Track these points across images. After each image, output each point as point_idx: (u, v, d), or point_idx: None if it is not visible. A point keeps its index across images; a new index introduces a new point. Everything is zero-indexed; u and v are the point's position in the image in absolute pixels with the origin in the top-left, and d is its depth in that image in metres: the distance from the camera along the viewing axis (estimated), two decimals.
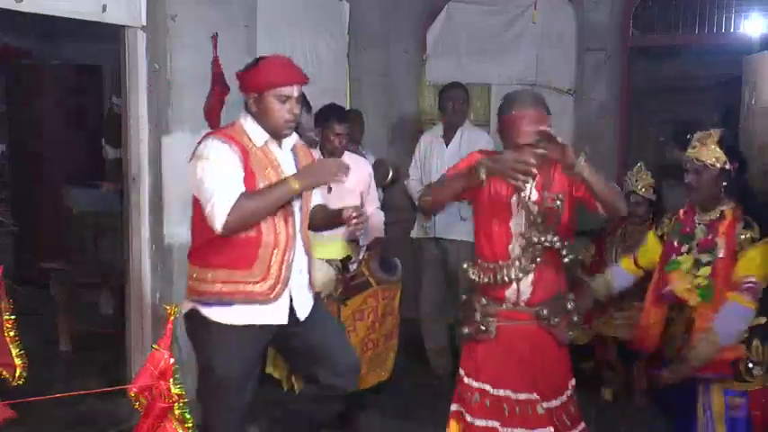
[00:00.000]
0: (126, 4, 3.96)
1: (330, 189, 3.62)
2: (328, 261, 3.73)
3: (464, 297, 2.86)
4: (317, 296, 2.91)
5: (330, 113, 4.02)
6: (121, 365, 4.33)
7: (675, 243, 3.04)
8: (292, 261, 2.69)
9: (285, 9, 4.98)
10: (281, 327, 2.71)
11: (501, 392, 2.68)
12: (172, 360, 1.88)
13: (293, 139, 2.79)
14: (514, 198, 2.65)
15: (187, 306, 2.71)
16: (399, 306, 4.02)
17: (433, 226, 4.79)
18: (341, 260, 3.77)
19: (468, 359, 2.77)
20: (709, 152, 2.95)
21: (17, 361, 1.89)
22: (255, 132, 2.68)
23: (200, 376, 2.76)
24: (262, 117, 2.67)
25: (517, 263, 2.63)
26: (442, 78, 5.92)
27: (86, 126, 6.88)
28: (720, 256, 2.88)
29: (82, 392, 2.25)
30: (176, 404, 1.89)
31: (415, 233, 4.96)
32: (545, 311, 2.68)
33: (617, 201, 2.57)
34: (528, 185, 2.58)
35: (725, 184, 2.93)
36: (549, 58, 5.80)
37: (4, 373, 1.90)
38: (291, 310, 2.72)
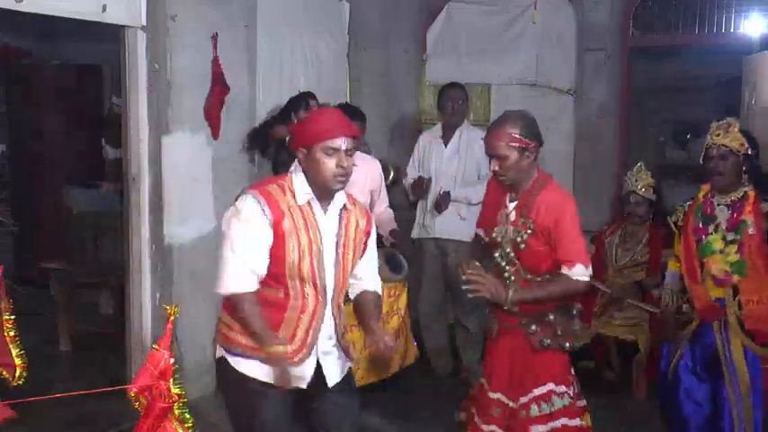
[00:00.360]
0: (126, 4, 3.96)
1: None
2: None
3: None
4: (349, 375, 2.77)
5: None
6: (121, 365, 4.33)
7: (700, 224, 3.21)
8: (320, 327, 2.58)
9: (285, 9, 4.98)
10: (306, 391, 2.60)
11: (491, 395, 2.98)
12: (172, 360, 1.89)
13: (341, 201, 2.61)
14: (500, 213, 2.95)
15: (218, 352, 2.65)
16: (407, 306, 3.99)
17: (433, 226, 4.79)
18: None
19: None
20: (733, 138, 3.09)
21: (17, 361, 1.89)
22: (301, 189, 2.54)
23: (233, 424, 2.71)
24: (310, 172, 2.52)
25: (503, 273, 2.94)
26: (442, 78, 5.92)
27: (86, 126, 6.89)
28: (751, 232, 3.06)
29: (82, 392, 2.25)
30: (176, 404, 1.89)
31: (415, 233, 4.96)
32: (524, 320, 2.89)
33: (568, 294, 2.83)
34: (512, 204, 2.90)
35: (745, 168, 3.10)
36: (549, 58, 5.80)
37: (5, 373, 1.90)
38: (319, 374, 2.62)
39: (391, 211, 4.25)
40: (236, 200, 2.55)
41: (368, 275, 2.74)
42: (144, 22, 4.05)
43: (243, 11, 4.53)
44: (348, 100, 5.75)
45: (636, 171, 4.69)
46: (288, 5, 5.01)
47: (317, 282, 2.53)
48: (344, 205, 2.60)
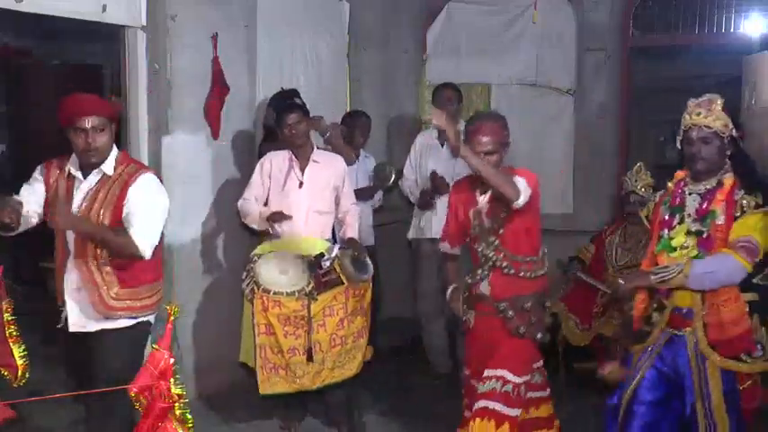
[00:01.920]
0: (126, 4, 3.96)
1: (302, 184, 3.87)
2: (301, 257, 3.75)
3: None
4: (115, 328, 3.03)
5: (282, 103, 4.11)
6: None
7: (667, 216, 2.84)
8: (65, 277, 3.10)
9: (285, 9, 4.98)
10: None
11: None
12: (172, 360, 1.89)
13: (109, 167, 3.03)
14: (474, 210, 3.14)
15: None
16: (370, 306, 3.94)
17: (430, 226, 4.79)
18: (314, 257, 3.78)
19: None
20: (717, 117, 2.73)
21: (19, 362, 1.89)
22: (73, 162, 3.08)
23: None
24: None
25: (482, 262, 3.15)
26: (442, 78, 5.91)
27: None
28: (719, 222, 2.67)
29: (82, 392, 2.25)
30: (176, 404, 1.89)
31: (411, 234, 4.96)
32: (502, 306, 3.10)
33: (503, 187, 2.89)
34: (483, 197, 3.10)
35: (729, 152, 2.75)
36: (549, 58, 5.81)
37: (7, 373, 1.90)
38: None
39: (358, 208, 4.20)
40: None
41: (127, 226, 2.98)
42: (144, 22, 4.05)
43: (243, 11, 4.53)
44: (348, 100, 5.75)
45: (636, 171, 4.69)
46: (288, 5, 5.01)
47: (62, 236, 3.06)
48: (104, 173, 3.01)
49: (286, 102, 4.13)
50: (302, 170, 3.91)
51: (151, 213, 2.98)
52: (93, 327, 2.98)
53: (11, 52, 7.28)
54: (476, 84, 6.04)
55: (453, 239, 3.35)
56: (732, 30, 5.48)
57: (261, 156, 4.24)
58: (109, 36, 4.25)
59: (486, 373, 3.08)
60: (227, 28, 4.37)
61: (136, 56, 4.06)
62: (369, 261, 3.91)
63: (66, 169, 3.03)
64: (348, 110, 5.58)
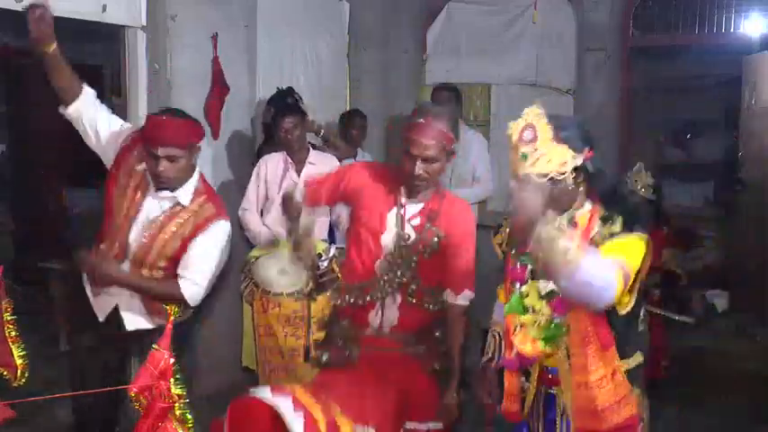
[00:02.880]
0: (126, 4, 3.95)
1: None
2: (299, 257, 3.76)
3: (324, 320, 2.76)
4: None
5: (279, 104, 4.09)
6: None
7: (518, 265, 2.20)
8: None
9: (285, 9, 4.98)
10: None
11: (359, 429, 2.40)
12: (172, 360, 1.88)
13: (188, 194, 2.87)
14: (393, 212, 2.51)
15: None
16: None
17: None
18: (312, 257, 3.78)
19: (318, 385, 2.45)
20: (549, 160, 2.01)
21: (18, 361, 1.89)
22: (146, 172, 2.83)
23: None
24: None
25: (380, 283, 2.49)
26: (442, 78, 5.92)
27: None
28: None
29: (82, 393, 2.25)
30: (176, 404, 1.89)
31: None
32: (412, 339, 2.54)
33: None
34: (408, 207, 2.51)
35: (583, 179, 2.13)
36: (549, 58, 5.81)
37: (6, 373, 1.90)
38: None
39: None
40: None
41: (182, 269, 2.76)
42: (144, 22, 4.05)
43: (243, 11, 4.53)
44: (348, 100, 5.75)
45: (636, 171, 4.69)
46: (288, 5, 5.01)
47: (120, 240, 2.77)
48: (178, 202, 2.78)
49: (283, 103, 4.14)
50: (298, 172, 3.91)
51: (209, 265, 2.75)
52: (151, 324, 2.87)
53: (11, 52, 7.28)
54: (476, 84, 6.05)
55: (323, 196, 2.64)
56: (732, 30, 5.48)
57: (260, 155, 4.26)
58: (109, 36, 4.25)
59: (410, 426, 2.54)
60: (227, 28, 4.36)
61: (136, 56, 4.06)
62: None
63: (142, 170, 2.77)
64: (348, 110, 5.59)
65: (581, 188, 2.12)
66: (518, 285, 2.18)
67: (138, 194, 2.76)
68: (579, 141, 2.06)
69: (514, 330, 2.14)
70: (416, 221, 2.51)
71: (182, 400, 1.86)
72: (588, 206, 2.13)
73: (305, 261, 3.30)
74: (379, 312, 2.53)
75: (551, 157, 2.00)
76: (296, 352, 3.64)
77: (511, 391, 2.25)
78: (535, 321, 2.10)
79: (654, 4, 5.71)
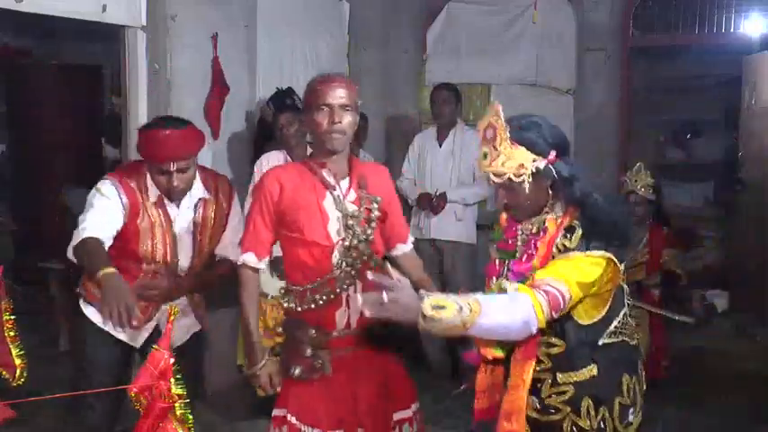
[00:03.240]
0: (126, 4, 3.96)
1: None
2: None
3: (279, 330, 2.59)
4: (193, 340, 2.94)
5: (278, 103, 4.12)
6: None
7: (497, 262, 2.22)
8: (166, 302, 2.76)
9: (285, 9, 4.98)
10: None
11: None
12: (172, 360, 1.88)
13: (198, 194, 2.82)
14: (328, 198, 2.43)
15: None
16: None
17: (429, 227, 4.79)
18: None
19: (294, 397, 2.43)
20: (507, 158, 2.00)
21: (17, 361, 1.89)
22: (152, 189, 2.73)
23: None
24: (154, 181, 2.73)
25: (338, 272, 2.38)
26: (442, 78, 5.91)
27: (86, 126, 6.88)
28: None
29: (82, 393, 2.25)
30: (177, 404, 1.89)
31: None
32: (376, 328, 2.37)
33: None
34: (339, 185, 2.44)
35: (550, 183, 2.04)
36: (549, 58, 5.81)
37: (5, 373, 1.90)
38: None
39: None
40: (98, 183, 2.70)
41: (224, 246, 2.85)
42: (144, 22, 4.05)
43: (243, 11, 4.53)
44: None
45: (636, 171, 4.68)
46: (288, 5, 5.01)
47: (172, 266, 2.75)
48: (200, 198, 2.79)
49: (281, 101, 4.15)
50: None
51: (240, 223, 2.78)
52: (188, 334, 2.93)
53: (11, 52, 7.28)
54: (476, 84, 6.04)
55: (264, 247, 2.47)
56: (732, 30, 5.48)
57: (257, 152, 4.25)
58: (109, 36, 4.25)
59: (397, 416, 2.52)
60: (227, 28, 4.37)
61: (136, 56, 4.06)
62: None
63: (154, 195, 2.71)
64: None
65: (550, 192, 2.06)
66: (493, 280, 2.19)
67: (160, 212, 2.73)
68: (543, 144, 2.01)
69: None
70: (352, 196, 2.46)
71: (182, 400, 1.86)
72: (559, 212, 2.08)
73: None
74: (346, 308, 2.42)
75: (508, 159, 1.99)
76: None
77: (480, 387, 2.26)
78: None
79: (654, 4, 5.71)
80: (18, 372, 1.88)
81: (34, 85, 6.88)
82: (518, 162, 1.98)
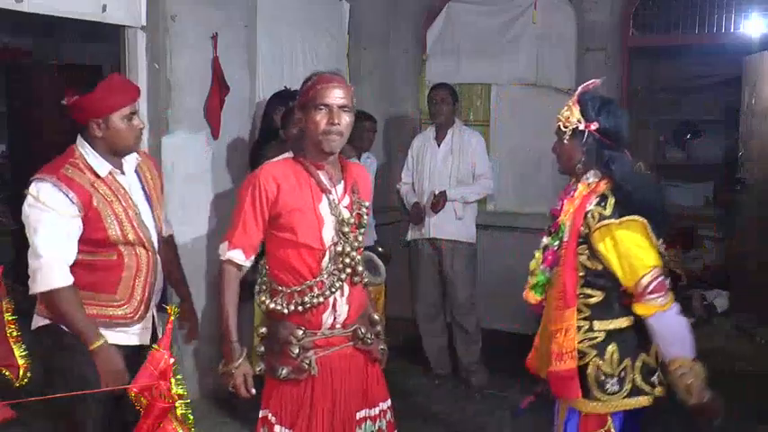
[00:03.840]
0: (126, 4, 3.96)
1: None
2: None
3: (263, 330, 2.53)
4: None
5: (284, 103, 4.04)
6: None
7: (549, 224, 2.51)
8: (155, 282, 2.69)
9: (285, 9, 4.98)
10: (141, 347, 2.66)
11: None
12: (172, 360, 1.89)
13: (133, 158, 2.70)
14: (324, 202, 2.41)
15: (41, 321, 2.61)
16: (384, 309, 3.71)
17: (428, 226, 4.79)
18: None
19: (276, 399, 2.46)
20: (563, 111, 2.44)
21: (20, 361, 1.89)
22: (98, 163, 2.58)
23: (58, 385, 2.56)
24: (109, 140, 2.59)
25: (326, 276, 2.39)
26: (442, 78, 5.91)
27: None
28: (565, 239, 2.34)
29: (82, 393, 2.25)
30: (177, 404, 1.89)
31: (410, 235, 4.96)
32: (362, 330, 2.49)
33: None
34: (335, 189, 2.43)
35: (584, 149, 2.38)
36: (549, 58, 5.80)
37: (8, 373, 1.90)
38: (153, 330, 2.75)
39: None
40: (30, 188, 2.54)
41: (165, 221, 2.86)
42: (144, 22, 4.05)
43: (243, 11, 4.53)
44: None
45: (636, 171, 4.68)
46: (288, 5, 5.01)
47: (145, 242, 2.63)
48: (137, 163, 2.70)
49: (289, 103, 4.14)
50: None
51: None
52: None
53: (11, 52, 7.28)
54: (476, 84, 6.04)
55: (252, 246, 2.44)
56: (732, 30, 5.47)
57: (255, 156, 4.21)
58: (109, 36, 4.25)
59: (367, 413, 2.54)
60: (227, 28, 4.37)
61: (136, 56, 4.06)
62: (381, 263, 3.74)
63: (105, 169, 2.57)
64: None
65: (584, 155, 2.37)
66: (544, 239, 2.48)
67: (112, 186, 2.60)
68: (591, 113, 2.39)
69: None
70: (346, 201, 2.45)
71: (182, 400, 1.87)
72: (592, 177, 2.38)
73: None
74: (332, 310, 2.42)
75: (567, 111, 2.41)
76: None
77: (536, 343, 2.56)
78: (533, 271, 2.45)
79: (654, 4, 5.70)
80: (21, 372, 1.89)
81: (34, 85, 6.88)
82: (567, 116, 2.39)
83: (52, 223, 2.47)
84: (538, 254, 2.47)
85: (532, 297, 2.47)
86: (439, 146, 4.84)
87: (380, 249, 4.43)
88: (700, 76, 7.11)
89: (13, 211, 7.10)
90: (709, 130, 7.41)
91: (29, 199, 2.54)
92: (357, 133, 5.00)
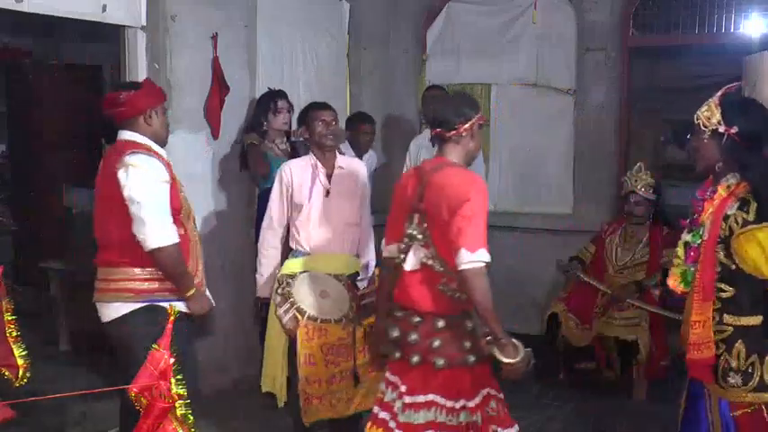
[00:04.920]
0: (126, 4, 3.96)
1: (328, 192, 3.44)
2: (336, 276, 3.41)
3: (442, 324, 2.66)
4: None
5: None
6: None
7: (688, 218, 2.63)
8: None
9: (285, 9, 4.98)
10: None
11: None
12: (172, 360, 1.89)
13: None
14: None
15: (131, 306, 2.91)
16: None
17: None
18: (348, 276, 3.46)
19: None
20: (703, 110, 2.50)
21: (20, 362, 1.89)
22: (158, 148, 3.01)
23: None
24: (156, 132, 3.01)
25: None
26: (442, 78, 5.92)
27: (86, 126, 6.88)
28: (705, 237, 2.44)
29: (82, 392, 2.25)
30: (177, 404, 1.89)
31: None
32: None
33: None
34: None
35: (723, 151, 2.43)
36: (549, 58, 5.80)
37: (8, 373, 1.90)
38: None
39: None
40: (126, 159, 2.83)
41: None
42: (144, 22, 4.05)
43: (243, 11, 4.53)
44: (348, 100, 5.75)
45: (636, 171, 4.69)
46: (288, 5, 5.01)
47: (194, 218, 3.11)
48: None
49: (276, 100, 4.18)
50: (329, 177, 3.50)
51: None
52: None
53: (11, 52, 7.29)
54: (476, 84, 6.04)
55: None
56: (732, 30, 5.47)
57: (245, 146, 4.29)
58: (109, 36, 4.25)
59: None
60: (227, 28, 4.37)
61: (136, 56, 4.06)
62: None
63: (165, 155, 3.09)
64: (348, 110, 5.59)
65: (723, 157, 2.41)
66: (684, 235, 2.60)
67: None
68: (732, 116, 2.43)
69: None
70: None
71: (182, 400, 1.87)
72: (732, 180, 2.42)
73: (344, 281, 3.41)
74: None
75: (707, 111, 2.47)
76: (335, 378, 3.29)
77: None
78: (678, 264, 2.59)
79: (654, 4, 5.70)
80: (21, 372, 1.88)
81: (34, 85, 6.88)
82: (708, 116, 2.45)
83: (155, 186, 2.84)
84: (680, 250, 2.60)
85: (679, 287, 2.61)
86: (433, 146, 4.83)
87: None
88: (700, 76, 7.10)
89: (13, 211, 7.10)
90: None
91: (129, 168, 2.81)
92: (354, 137, 5.03)
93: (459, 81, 5.88)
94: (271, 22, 4.82)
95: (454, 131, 2.65)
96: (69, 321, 5.27)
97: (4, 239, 6.97)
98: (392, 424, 2.63)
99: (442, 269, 2.60)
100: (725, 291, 2.42)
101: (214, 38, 4.25)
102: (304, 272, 3.37)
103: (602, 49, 5.68)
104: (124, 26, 4.03)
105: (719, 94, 2.52)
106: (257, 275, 3.56)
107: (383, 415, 2.67)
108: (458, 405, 2.59)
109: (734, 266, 2.37)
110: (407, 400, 2.61)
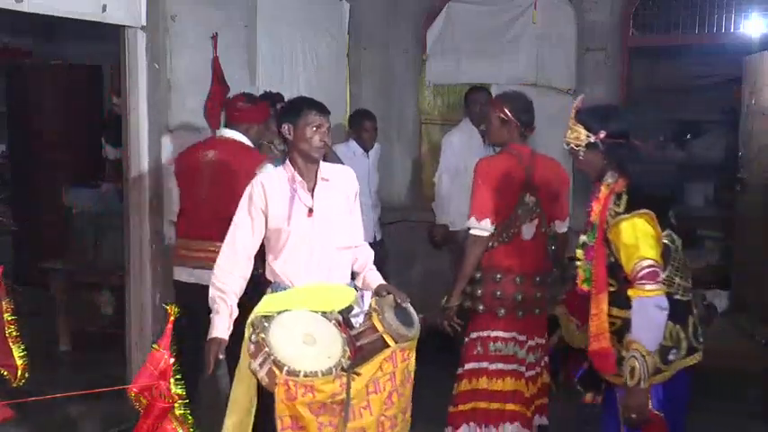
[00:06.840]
0: (126, 4, 3.95)
1: (311, 211, 2.83)
2: (324, 314, 2.73)
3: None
4: None
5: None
6: (121, 365, 4.33)
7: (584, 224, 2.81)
8: None
9: (285, 9, 4.98)
10: None
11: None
12: (172, 360, 1.89)
13: None
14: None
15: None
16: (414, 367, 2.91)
17: (457, 218, 4.80)
18: (340, 312, 2.77)
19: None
20: (569, 135, 2.73)
21: (19, 362, 1.89)
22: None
23: None
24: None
25: None
26: (442, 78, 5.92)
27: (86, 126, 6.88)
28: (596, 236, 2.61)
29: (82, 392, 2.25)
30: (177, 404, 1.89)
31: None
32: None
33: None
34: None
35: (603, 155, 2.63)
36: (549, 58, 5.80)
37: (6, 373, 1.90)
38: None
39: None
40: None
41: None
42: (144, 22, 4.05)
43: (243, 11, 4.53)
44: (348, 100, 5.75)
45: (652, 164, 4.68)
46: (288, 5, 5.01)
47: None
48: None
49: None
50: (311, 192, 2.89)
51: None
52: None
53: (11, 52, 7.29)
54: (476, 84, 6.03)
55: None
56: (732, 30, 5.47)
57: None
58: (109, 36, 4.25)
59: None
60: (227, 28, 4.37)
61: (136, 56, 4.06)
62: (412, 309, 2.89)
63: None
64: (347, 110, 5.59)
65: (605, 161, 2.61)
66: (582, 237, 2.76)
67: None
68: (594, 123, 2.64)
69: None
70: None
71: (182, 400, 1.87)
72: (610, 179, 2.61)
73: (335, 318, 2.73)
74: None
75: (572, 133, 2.70)
76: None
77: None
78: (580, 265, 2.75)
79: (654, 4, 5.70)
80: (19, 372, 1.88)
81: (34, 85, 6.88)
82: (575, 136, 2.68)
83: None
84: (579, 251, 2.75)
85: (583, 286, 2.75)
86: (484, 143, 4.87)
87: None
88: (700, 76, 7.10)
89: (13, 211, 7.10)
90: (709, 130, 7.41)
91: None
92: (359, 133, 5.03)
93: (459, 81, 5.87)
94: (271, 22, 4.82)
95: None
96: (69, 321, 5.27)
97: (4, 239, 6.97)
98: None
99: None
100: (612, 285, 2.59)
101: (214, 38, 4.26)
102: (283, 311, 2.70)
103: (602, 49, 5.67)
104: (124, 26, 4.03)
105: (572, 114, 2.72)
106: (212, 314, 2.84)
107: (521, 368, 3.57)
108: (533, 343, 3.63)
109: (613, 259, 2.55)
110: (531, 343, 3.58)
